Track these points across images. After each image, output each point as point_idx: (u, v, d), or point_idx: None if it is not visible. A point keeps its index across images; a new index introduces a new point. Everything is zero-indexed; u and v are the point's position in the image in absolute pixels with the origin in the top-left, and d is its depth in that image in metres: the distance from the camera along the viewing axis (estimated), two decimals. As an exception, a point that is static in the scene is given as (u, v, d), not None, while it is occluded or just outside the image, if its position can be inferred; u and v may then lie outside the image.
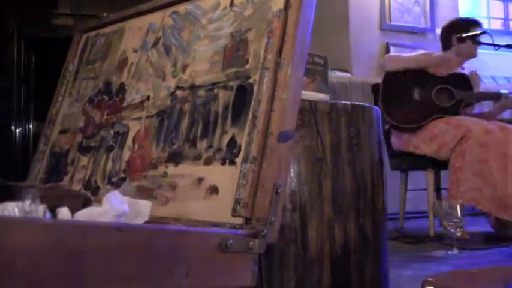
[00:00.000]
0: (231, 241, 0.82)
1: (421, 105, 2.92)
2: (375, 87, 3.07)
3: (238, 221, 0.92)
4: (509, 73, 4.93)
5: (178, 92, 1.19)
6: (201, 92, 1.13)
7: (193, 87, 1.16)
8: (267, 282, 1.26)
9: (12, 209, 0.80)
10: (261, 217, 0.90)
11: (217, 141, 1.04)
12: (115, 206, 0.90)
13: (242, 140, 0.99)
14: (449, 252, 2.37)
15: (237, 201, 0.94)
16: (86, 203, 0.98)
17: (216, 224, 0.94)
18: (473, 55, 3.09)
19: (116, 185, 1.22)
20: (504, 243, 2.59)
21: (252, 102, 1.01)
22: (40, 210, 0.83)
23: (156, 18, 1.36)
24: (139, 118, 1.25)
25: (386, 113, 2.85)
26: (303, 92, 1.29)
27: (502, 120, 3.10)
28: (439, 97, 2.94)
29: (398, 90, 2.93)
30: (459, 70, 3.08)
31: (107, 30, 1.51)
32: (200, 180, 1.04)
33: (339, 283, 1.32)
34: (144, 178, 1.16)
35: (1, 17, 4.08)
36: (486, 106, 3.51)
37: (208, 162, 1.04)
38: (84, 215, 0.88)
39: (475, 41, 3.01)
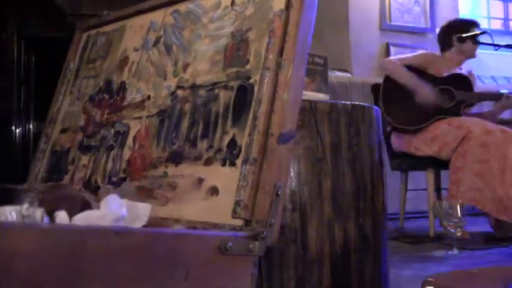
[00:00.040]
0: (230, 243, 0.81)
1: (422, 107, 2.93)
2: (375, 87, 3.07)
3: (238, 222, 0.92)
4: (509, 73, 4.93)
5: (179, 92, 1.19)
6: (202, 92, 1.13)
7: (194, 87, 1.16)
8: (267, 282, 1.26)
9: (10, 213, 0.80)
10: (261, 219, 0.90)
11: (218, 141, 1.04)
12: (113, 210, 0.90)
13: (242, 141, 0.99)
14: (449, 252, 2.37)
15: (237, 203, 0.94)
16: (84, 207, 0.98)
17: (215, 225, 0.94)
18: (473, 55, 3.11)
19: (116, 185, 1.22)
20: (504, 243, 2.59)
21: (253, 103, 1.01)
22: (38, 214, 0.83)
23: (157, 16, 1.36)
24: (140, 117, 1.25)
25: (387, 114, 2.85)
26: (303, 92, 1.29)
27: (502, 121, 3.11)
28: (439, 98, 2.94)
29: (399, 91, 2.93)
30: (457, 70, 3.09)
31: (108, 28, 1.51)
32: (200, 180, 1.03)
33: (339, 283, 1.32)
34: (144, 178, 1.16)
35: (1, 17, 4.08)
36: (486, 106, 3.52)
37: (208, 162, 1.04)
38: (82, 218, 0.88)
39: (475, 41, 3.02)
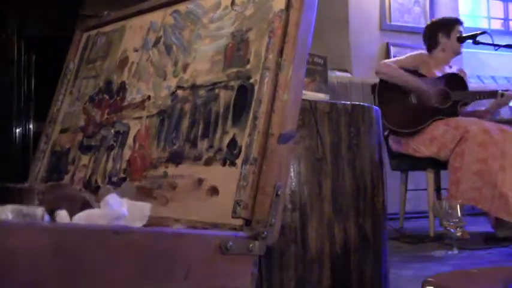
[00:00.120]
0: (230, 243, 0.81)
1: (419, 108, 2.94)
2: (375, 87, 3.07)
3: (238, 222, 0.92)
4: (509, 73, 4.93)
5: (179, 92, 1.19)
6: (202, 92, 1.13)
7: (194, 87, 1.16)
8: (267, 282, 1.26)
9: (10, 212, 0.80)
10: (261, 219, 0.90)
11: (218, 141, 1.04)
12: (114, 209, 0.90)
13: (243, 141, 0.99)
14: (449, 252, 2.37)
15: (237, 203, 0.94)
16: (84, 206, 0.98)
17: (215, 225, 0.94)
18: (459, 52, 3.14)
19: (116, 185, 1.22)
20: (504, 243, 2.59)
21: (253, 103, 1.01)
22: (38, 213, 0.83)
23: (157, 17, 1.36)
24: (140, 117, 1.25)
25: (383, 118, 2.86)
26: (303, 92, 1.29)
27: (501, 120, 3.11)
28: (435, 99, 2.95)
29: (394, 94, 2.95)
30: (448, 69, 3.10)
31: (108, 29, 1.51)
32: (200, 180, 1.04)
33: (339, 283, 1.32)
34: (144, 178, 1.16)
35: (1, 17, 4.07)
36: (483, 105, 3.52)
37: (208, 162, 1.04)
38: (83, 217, 0.88)
39: (475, 41, 3.03)
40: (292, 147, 0.99)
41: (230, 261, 0.82)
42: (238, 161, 0.98)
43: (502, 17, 5.57)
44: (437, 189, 3.22)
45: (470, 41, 3.07)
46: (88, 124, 1.40)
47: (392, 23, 4.59)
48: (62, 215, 0.88)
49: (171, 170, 1.11)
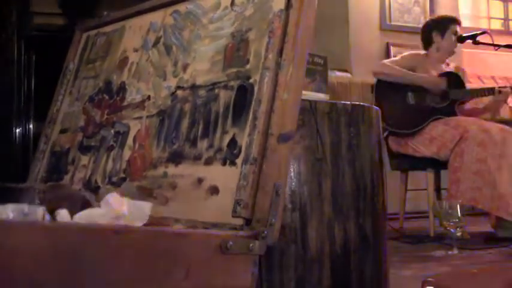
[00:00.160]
0: (231, 243, 0.82)
1: (417, 108, 2.94)
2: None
3: (239, 222, 0.92)
4: (509, 73, 4.93)
5: (179, 92, 1.19)
6: (202, 92, 1.13)
7: (193, 87, 1.16)
8: (267, 282, 1.26)
9: (11, 211, 0.80)
10: (261, 218, 0.90)
11: (218, 141, 1.04)
12: (114, 208, 0.90)
13: (243, 141, 0.99)
14: (449, 252, 2.37)
15: (237, 202, 0.94)
16: (85, 206, 0.98)
17: (216, 225, 0.94)
18: (453, 52, 3.13)
19: (116, 185, 1.22)
20: (504, 243, 2.59)
21: (253, 103, 1.01)
22: (39, 213, 0.83)
23: (156, 17, 1.36)
24: (140, 118, 1.25)
25: (381, 119, 2.86)
26: (303, 92, 1.29)
27: (501, 120, 3.11)
28: (433, 99, 2.95)
29: (392, 95, 2.95)
30: (445, 68, 3.10)
31: (108, 29, 1.51)
32: (200, 180, 1.04)
33: (339, 283, 1.32)
34: (144, 178, 1.16)
35: (1, 17, 4.07)
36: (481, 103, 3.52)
37: (208, 162, 1.04)
38: (83, 217, 0.88)
39: (475, 41, 3.02)
40: (292, 147, 0.99)
41: (230, 260, 0.82)
42: (238, 161, 0.98)
43: (502, 17, 5.57)
44: (437, 189, 3.22)
45: (470, 41, 3.06)
46: (88, 124, 1.40)
47: (392, 23, 4.59)
48: (63, 214, 0.88)
49: (171, 169, 1.11)
